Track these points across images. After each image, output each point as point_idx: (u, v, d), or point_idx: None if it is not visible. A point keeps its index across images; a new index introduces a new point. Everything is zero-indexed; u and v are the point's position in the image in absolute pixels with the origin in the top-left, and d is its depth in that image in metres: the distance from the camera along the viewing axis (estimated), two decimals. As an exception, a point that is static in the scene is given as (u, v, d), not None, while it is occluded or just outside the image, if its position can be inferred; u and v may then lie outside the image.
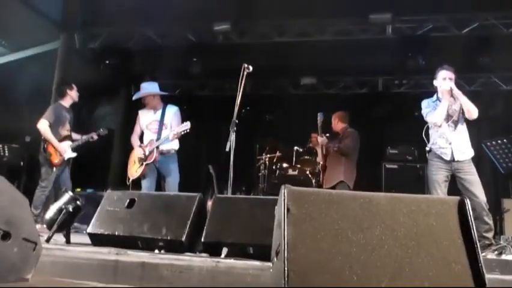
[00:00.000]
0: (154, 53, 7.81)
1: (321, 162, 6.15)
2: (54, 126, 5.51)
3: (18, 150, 7.40)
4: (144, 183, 5.13)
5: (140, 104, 5.47)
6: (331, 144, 5.94)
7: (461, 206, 1.91)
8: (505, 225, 6.13)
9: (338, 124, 6.16)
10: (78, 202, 3.54)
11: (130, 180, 5.18)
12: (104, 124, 8.60)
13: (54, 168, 5.45)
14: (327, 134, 6.13)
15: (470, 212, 1.89)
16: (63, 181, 5.62)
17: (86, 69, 7.89)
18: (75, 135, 5.77)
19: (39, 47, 7.96)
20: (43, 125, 5.45)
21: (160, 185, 5.22)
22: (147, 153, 5.11)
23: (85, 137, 5.76)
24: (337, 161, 5.89)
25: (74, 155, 5.63)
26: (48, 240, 3.28)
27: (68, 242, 3.44)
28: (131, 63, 8.13)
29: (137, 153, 5.20)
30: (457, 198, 1.96)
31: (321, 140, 5.98)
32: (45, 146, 5.46)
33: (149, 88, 5.37)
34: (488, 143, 4.55)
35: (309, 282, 1.68)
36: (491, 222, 4.11)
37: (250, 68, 4.20)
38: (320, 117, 5.91)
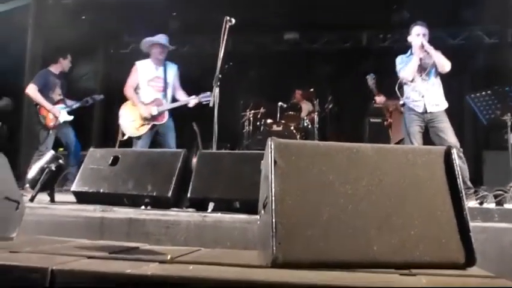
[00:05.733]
0: (131, 8, 7.51)
1: (388, 119, 6.09)
2: (44, 91, 5.56)
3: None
4: (140, 143, 4.94)
5: (119, 59, 5.26)
6: (390, 102, 5.91)
7: (447, 156, 1.91)
8: (484, 176, 6.29)
9: None
10: (61, 161, 3.49)
11: (126, 136, 5.04)
12: (83, 84, 8.37)
13: (50, 131, 5.51)
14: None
15: (456, 162, 1.88)
16: (71, 143, 5.72)
17: (61, 27, 7.59)
18: (69, 101, 5.80)
19: (9, 3, 7.57)
20: (31, 90, 5.53)
21: (153, 143, 5.08)
22: (156, 113, 4.90)
23: (80, 103, 5.80)
24: (400, 117, 5.79)
25: (70, 118, 5.67)
26: (32, 200, 3.24)
27: (52, 200, 3.40)
28: (109, 20, 7.84)
29: (142, 111, 4.90)
30: (443, 147, 1.95)
31: (378, 99, 5.98)
32: (38, 109, 5.53)
33: (164, 39, 5.01)
34: (473, 95, 4.57)
35: (297, 233, 1.68)
36: (465, 165, 4.20)
37: (233, 20, 4.12)
38: (369, 78, 5.87)
